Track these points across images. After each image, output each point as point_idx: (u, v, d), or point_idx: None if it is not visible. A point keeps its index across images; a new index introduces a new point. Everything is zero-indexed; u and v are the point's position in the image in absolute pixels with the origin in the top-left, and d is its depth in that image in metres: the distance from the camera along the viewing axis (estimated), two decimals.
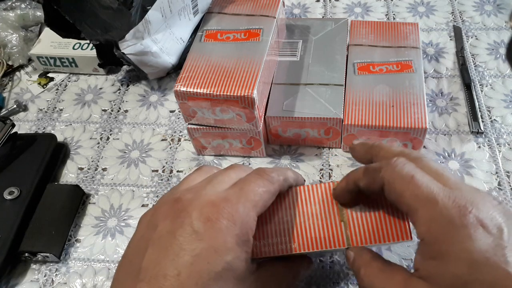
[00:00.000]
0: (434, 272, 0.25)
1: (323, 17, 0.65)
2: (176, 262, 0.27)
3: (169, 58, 0.55)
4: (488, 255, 0.24)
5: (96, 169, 0.52)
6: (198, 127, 0.48)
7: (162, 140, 0.54)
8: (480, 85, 0.55)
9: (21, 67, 0.64)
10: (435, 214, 0.26)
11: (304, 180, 0.36)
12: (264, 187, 0.31)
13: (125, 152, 0.53)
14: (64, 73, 0.63)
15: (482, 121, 0.51)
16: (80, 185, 0.50)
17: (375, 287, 0.28)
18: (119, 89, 0.60)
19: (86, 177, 0.51)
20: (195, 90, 0.43)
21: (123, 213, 0.48)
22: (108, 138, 0.55)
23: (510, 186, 0.46)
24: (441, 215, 0.25)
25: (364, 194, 0.31)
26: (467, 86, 0.54)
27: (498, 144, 0.49)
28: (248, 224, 0.29)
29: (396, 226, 0.32)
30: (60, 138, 0.54)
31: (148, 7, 0.49)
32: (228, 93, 0.42)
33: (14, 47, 0.63)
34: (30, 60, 0.64)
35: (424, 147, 0.49)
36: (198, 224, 0.27)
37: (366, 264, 0.30)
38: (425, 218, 0.26)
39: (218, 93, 0.43)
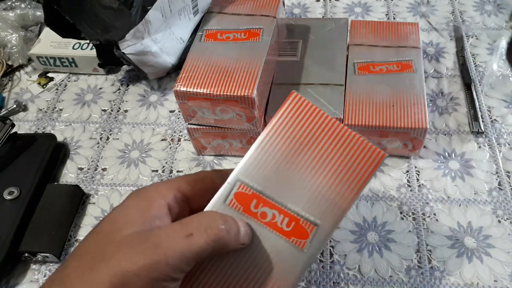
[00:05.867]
0: None
1: (323, 17, 0.65)
2: None
3: (169, 58, 0.55)
4: None
5: (96, 169, 0.52)
6: (198, 127, 0.47)
7: (162, 140, 0.54)
8: (480, 85, 0.55)
9: (21, 67, 0.64)
10: None
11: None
12: None
13: (125, 152, 0.53)
14: (64, 73, 0.63)
15: (483, 121, 0.51)
16: (80, 185, 0.50)
17: None
18: (119, 89, 0.60)
19: (86, 177, 0.51)
20: (195, 90, 0.43)
21: None
22: (108, 138, 0.55)
23: (511, 186, 0.46)
24: None
25: None
26: (468, 86, 0.54)
27: (498, 144, 0.49)
28: None
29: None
30: (60, 138, 0.54)
31: (148, 7, 0.49)
32: (228, 93, 0.42)
33: (14, 47, 0.63)
34: (30, 60, 0.64)
35: (425, 147, 0.49)
36: None
37: None
38: None
39: (218, 93, 0.43)
